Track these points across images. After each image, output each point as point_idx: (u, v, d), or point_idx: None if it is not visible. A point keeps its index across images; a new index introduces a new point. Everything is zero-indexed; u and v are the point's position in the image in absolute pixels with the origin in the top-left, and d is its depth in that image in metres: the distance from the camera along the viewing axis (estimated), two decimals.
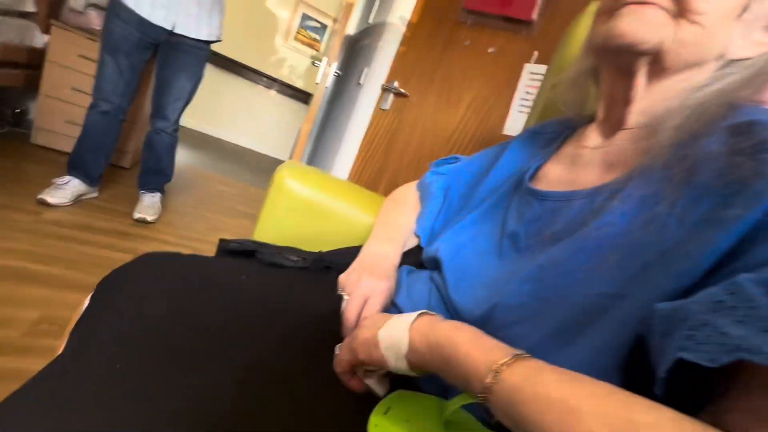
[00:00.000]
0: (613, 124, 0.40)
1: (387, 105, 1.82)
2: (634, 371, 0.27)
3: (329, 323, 0.41)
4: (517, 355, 0.25)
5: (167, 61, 1.48)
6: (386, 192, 1.80)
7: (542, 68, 1.45)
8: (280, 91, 4.22)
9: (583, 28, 0.72)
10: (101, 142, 1.47)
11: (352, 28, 2.53)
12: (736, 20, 0.33)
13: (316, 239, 0.62)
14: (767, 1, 0.33)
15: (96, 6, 1.87)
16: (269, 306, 0.39)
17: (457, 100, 1.65)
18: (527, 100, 1.48)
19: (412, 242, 0.60)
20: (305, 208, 0.61)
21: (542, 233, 0.38)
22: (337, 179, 0.71)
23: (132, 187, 1.75)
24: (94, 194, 1.59)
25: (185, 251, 1.58)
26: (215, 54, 3.69)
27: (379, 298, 0.42)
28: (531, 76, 1.48)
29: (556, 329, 0.30)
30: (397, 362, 0.31)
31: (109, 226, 1.44)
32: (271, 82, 4.15)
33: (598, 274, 0.30)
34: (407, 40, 1.79)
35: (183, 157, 2.73)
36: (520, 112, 1.50)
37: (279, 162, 4.29)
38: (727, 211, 0.26)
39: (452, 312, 0.39)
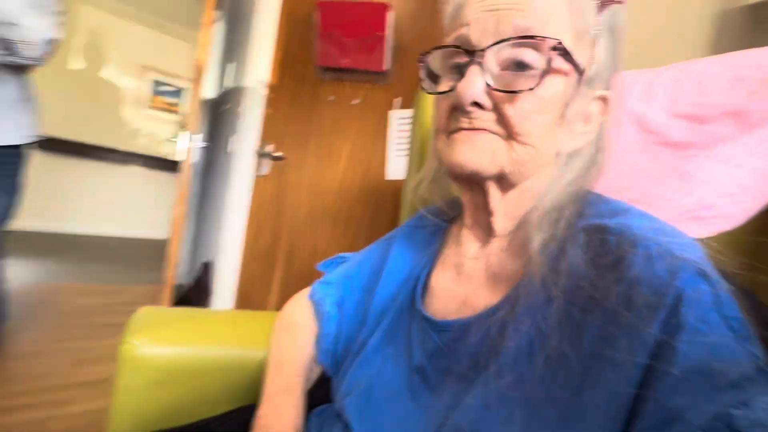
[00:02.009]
0: (483, 230, 0.40)
1: (265, 170, 1.72)
2: None
3: None
4: None
5: None
6: (287, 259, 1.68)
7: (408, 112, 1.52)
8: (144, 165, 3.77)
9: None
10: None
11: (209, 92, 2.38)
12: (558, 127, 0.35)
13: (201, 406, 0.50)
14: (574, 103, 0.35)
15: None
16: None
17: (336, 154, 1.63)
18: (401, 143, 1.54)
19: (316, 372, 0.52)
20: (176, 375, 0.49)
21: (450, 370, 0.35)
22: (211, 314, 0.59)
23: None
24: None
25: (41, 412, 1.21)
26: (53, 139, 3.14)
27: None
28: (399, 121, 1.54)
29: None
30: None
31: None
32: (129, 157, 3.68)
33: None
34: (271, 102, 1.73)
35: (22, 272, 2.20)
36: (398, 156, 1.54)
37: (159, 244, 3.75)
38: (613, 351, 0.25)
39: None
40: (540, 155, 0.34)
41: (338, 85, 1.62)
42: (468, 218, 0.40)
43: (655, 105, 0.50)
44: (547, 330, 0.29)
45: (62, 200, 3.37)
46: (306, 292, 0.61)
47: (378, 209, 1.56)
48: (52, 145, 3.17)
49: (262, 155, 1.69)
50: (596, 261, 0.29)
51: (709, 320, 0.24)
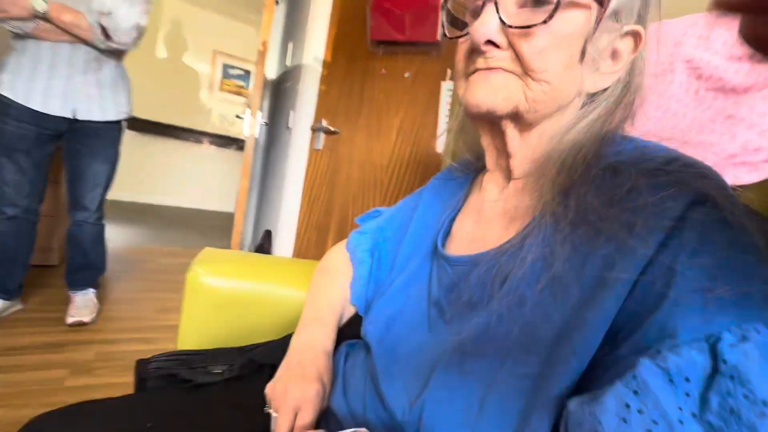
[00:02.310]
0: (503, 174, 0.40)
1: (320, 145, 1.81)
2: None
3: None
4: None
5: (75, 149, 1.38)
6: (338, 230, 1.76)
7: None
8: (215, 144, 4.11)
9: None
10: (14, 250, 1.33)
11: (272, 73, 2.52)
12: (579, 64, 0.34)
13: (249, 332, 0.57)
14: (599, 38, 0.33)
15: None
16: None
17: (386, 128, 1.66)
18: (451, 116, 1.52)
19: (350, 311, 0.57)
20: (229, 303, 0.56)
21: (462, 302, 0.37)
22: (261, 258, 0.66)
23: (64, 287, 1.60)
24: (18, 306, 1.43)
25: (133, 346, 1.42)
26: (138, 120, 3.54)
27: (309, 409, 0.38)
28: (450, 93, 1.53)
29: (475, 425, 0.28)
30: None
31: (39, 340, 1.29)
32: (204, 136, 4.04)
33: (515, 353, 0.29)
34: (325, 79, 1.80)
35: (117, 235, 2.55)
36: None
37: (228, 216, 4.13)
38: (611, 273, 0.26)
39: (388, 413, 0.36)
40: (557, 94, 0.33)
41: (390, 58, 1.64)
42: (489, 162, 0.41)
43: (713, 49, 0.46)
44: (551, 259, 0.30)
45: (146, 174, 3.83)
46: (344, 242, 0.66)
47: (427, 181, 1.57)
48: (138, 125, 3.58)
49: (316, 130, 1.78)
50: (607, 195, 0.29)
51: (713, 242, 0.24)
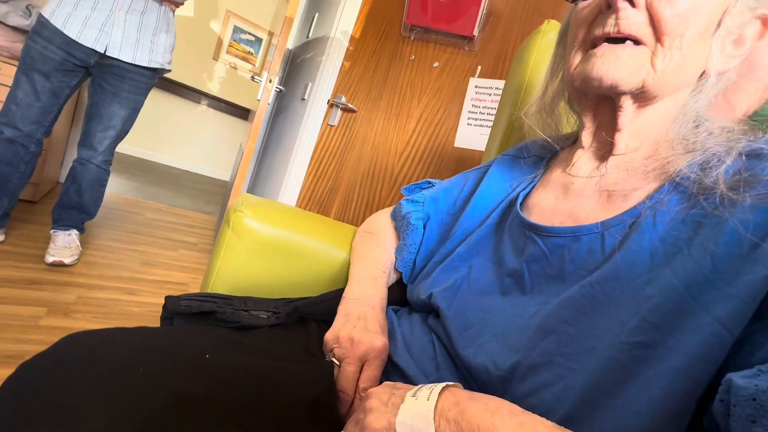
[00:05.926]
0: (601, 150, 0.39)
1: (335, 121, 1.77)
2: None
3: (324, 399, 0.34)
4: None
5: (99, 86, 1.32)
6: (341, 208, 1.73)
7: (487, 82, 1.49)
8: (212, 107, 3.97)
9: (539, 47, 0.73)
10: (3, 175, 1.24)
11: (290, 43, 2.45)
12: (712, 37, 0.34)
13: (285, 284, 0.55)
14: (738, 15, 0.34)
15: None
16: (252, 390, 0.32)
17: (407, 115, 1.64)
18: (475, 113, 1.52)
19: (393, 277, 0.55)
20: (270, 250, 0.54)
21: (550, 274, 0.36)
22: (301, 212, 0.63)
23: (44, 225, 1.51)
24: (0, 238, 1.34)
25: (113, 294, 1.35)
26: None
27: (377, 361, 0.37)
28: (477, 90, 1.52)
29: (590, 391, 0.27)
30: None
31: (16, 275, 1.21)
32: (203, 97, 3.89)
33: (621, 322, 0.28)
34: (351, 55, 1.76)
35: None
36: (469, 125, 1.53)
37: (218, 182, 4.01)
38: (758, 248, 0.25)
39: (464, 371, 0.35)
40: (687, 64, 0.33)
41: (421, 45, 1.61)
42: (585, 138, 0.40)
43: None
44: (677, 235, 0.29)
45: (143, 126, 3.65)
46: (388, 210, 0.64)
47: (439, 174, 1.57)
48: None
49: (334, 105, 1.73)
50: (756, 174, 0.28)
51: None
